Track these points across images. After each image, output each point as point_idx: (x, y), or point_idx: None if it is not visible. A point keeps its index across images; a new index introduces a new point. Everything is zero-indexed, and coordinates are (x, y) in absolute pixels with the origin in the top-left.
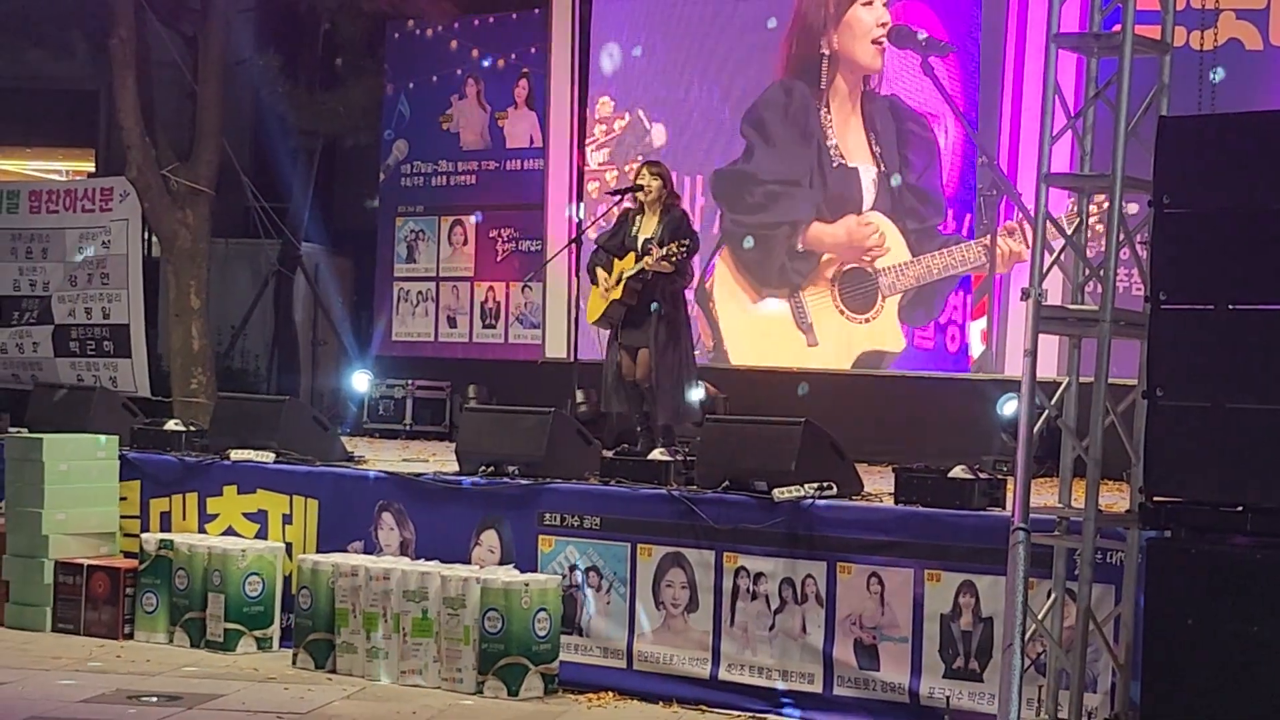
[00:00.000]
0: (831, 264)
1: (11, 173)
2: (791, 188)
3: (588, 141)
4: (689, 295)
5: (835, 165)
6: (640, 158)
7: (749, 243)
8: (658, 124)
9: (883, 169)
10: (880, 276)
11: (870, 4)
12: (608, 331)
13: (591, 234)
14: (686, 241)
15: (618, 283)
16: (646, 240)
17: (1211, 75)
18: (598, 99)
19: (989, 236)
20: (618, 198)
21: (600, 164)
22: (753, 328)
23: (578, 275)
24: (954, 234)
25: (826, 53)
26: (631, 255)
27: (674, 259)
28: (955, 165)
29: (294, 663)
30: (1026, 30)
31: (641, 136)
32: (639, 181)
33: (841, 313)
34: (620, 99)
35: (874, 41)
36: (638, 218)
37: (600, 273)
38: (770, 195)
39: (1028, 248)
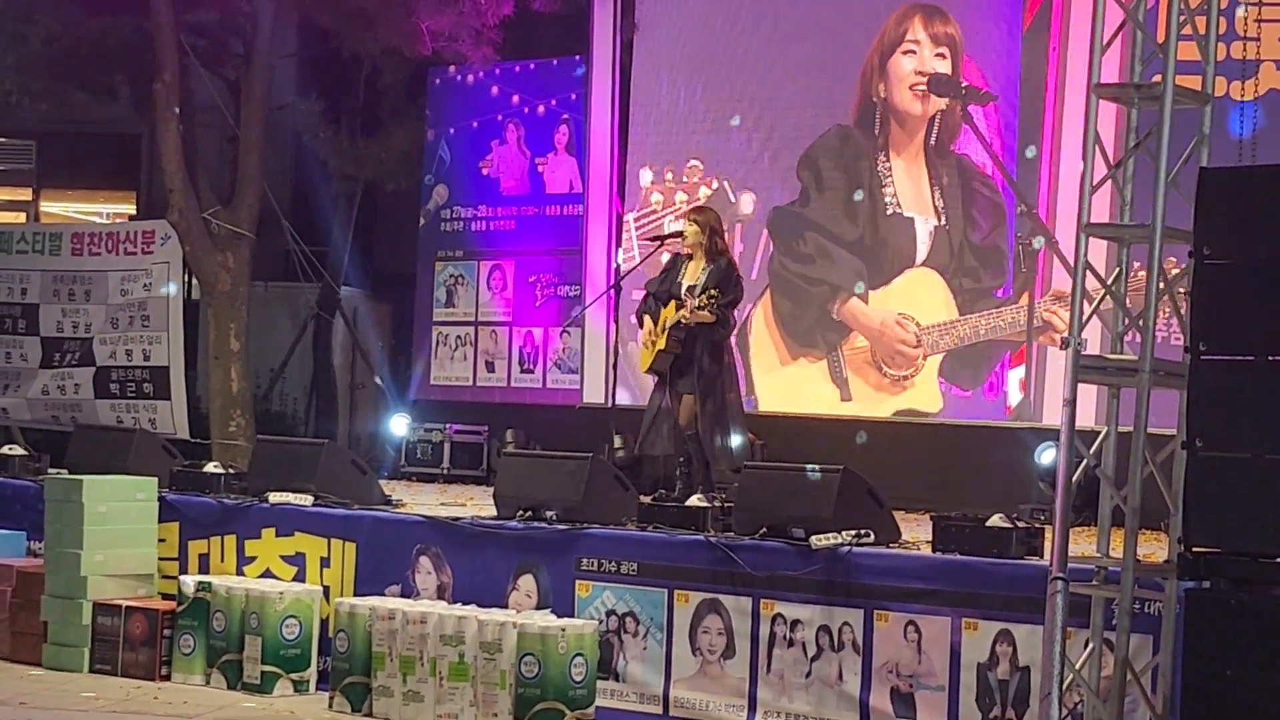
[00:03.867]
0: (864, 346)
1: (54, 215)
2: (841, 246)
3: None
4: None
5: (889, 213)
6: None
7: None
8: (746, 193)
9: (943, 222)
10: (924, 334)
11: (912, 52)
12: (652, 377)
13: (646, 281)
14: (715, 292)
15: (662, 332)
16: (690, 287)
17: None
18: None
19: (1027, 294)
20: (657, 244)
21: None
22: (786, 377)
23: (616, 321)
24: (1008, 297)
25: (877, 100)
26: (674, 303)
27: (710, 309)
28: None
29: (330, 705)
30: (1066, 80)
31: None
32: (680, 229)
33: (879, 369)
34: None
35: (912, 88)
36: (685, 264)
37: (648, 320)
38: (820, 249)
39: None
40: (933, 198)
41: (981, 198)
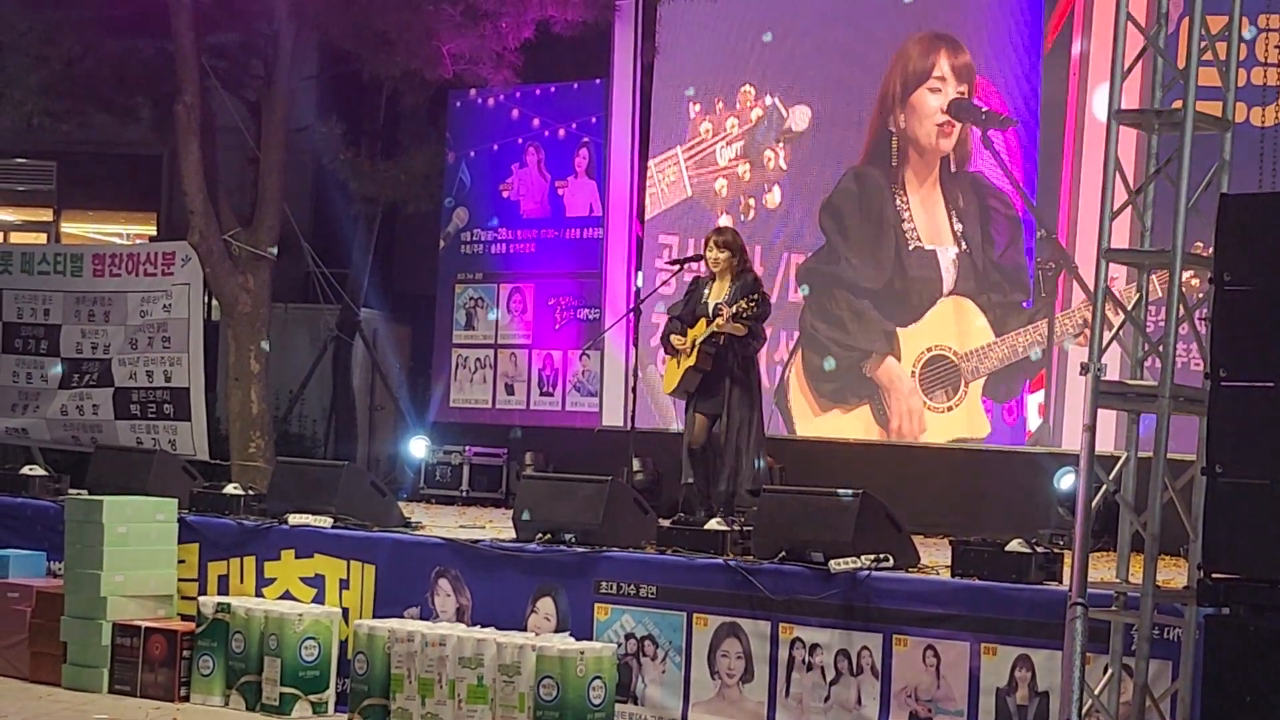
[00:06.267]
0: (892, 391)
1: (75, 236)
2: (870, 300)
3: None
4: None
5: (912, 249)
6: (782, 143)
7: (830, 364)
8: (799, 106)
9: (964, 248)
10: (963, 362)
11: (938, 90)
12: (676, 401)
13: (661, 307)
14: (755, 297)
15: (691, 349)
16: (717, 304)
17: None
18: (740, 86)
19: (1047, 316)
20: (677, 268)
21: (732, 159)
22: (830, 424)
23: (636, 344)
24: (1033, 309)
25: (894, 130)
26: (703, 321)
27: (745, 316)
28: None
29: None
30: (1087, 105)
31: (780, 123)
32: (705, 253)
33: (924, 404)
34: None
35: (937, 125)
36: (709, 285)
37: (675, 339)
38: (852, 310)
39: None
40: (951, 225)
41: (997, 214)
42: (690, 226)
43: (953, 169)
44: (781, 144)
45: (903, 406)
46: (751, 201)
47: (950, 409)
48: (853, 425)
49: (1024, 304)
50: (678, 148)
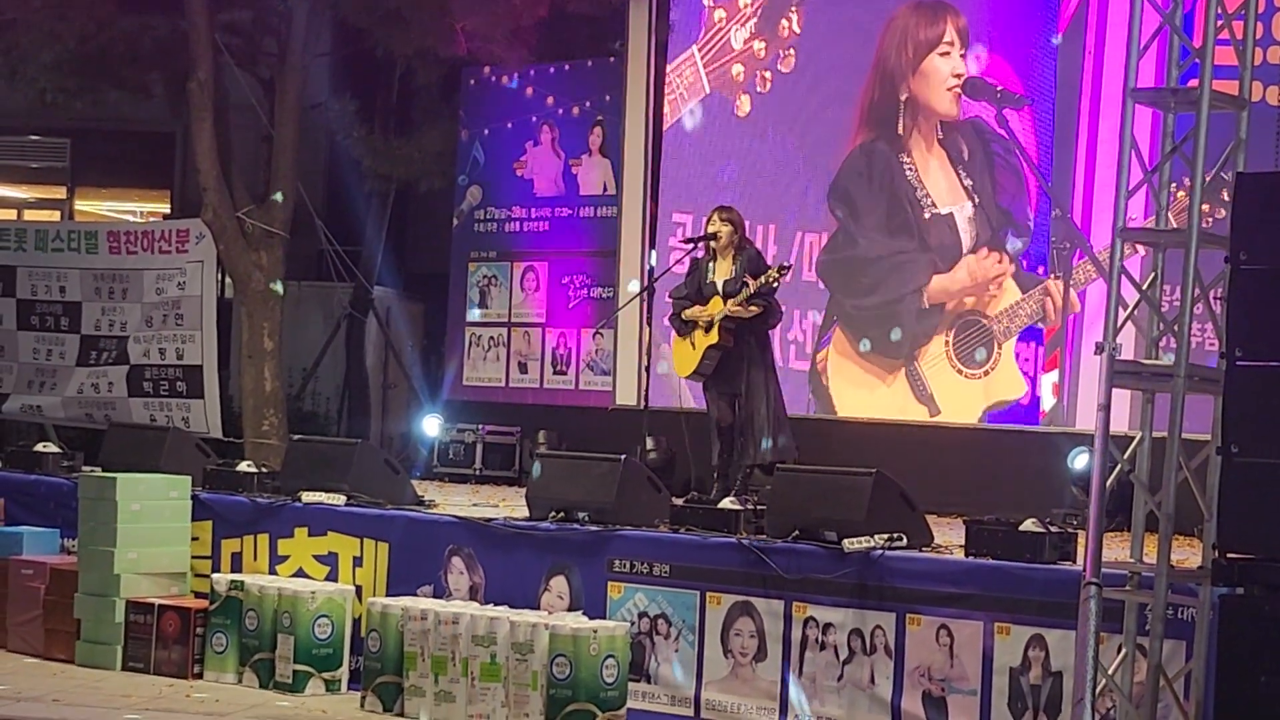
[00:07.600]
0: (955, 311)
1: (88, 213)
2: (901, 257)
3: (733, 21)
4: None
5: (928, 216)
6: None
7: (866, 345)
8: None
9: (977, 201)
10: (994, 324)
11: (947, 54)
12: (680, 383)
13: (678, 289)
14: (787, 264)
15: (709, 328)
16: (727, 282)
17: None
18: None
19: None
20: (691, 246)
21: (747, 39)
22: (871, 404)
23: (649, 323)
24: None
25: (904, 98)
26: (716, 299)
27: (759, 294)
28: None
29: (362, 705)
30: (1102, 84)
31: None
32: (710, 229)
33: (959, 371)
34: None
35: (949, 90)
36: (711, 263)
37: (695, 311)
38: (879, 273)
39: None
40: (960, 179)
41: (999, 160)
42: (711, 120)
43: (950, 120)
44: (795, 9)
45: (938, 367)
46: (768, 74)
47: (987, 373)
48: (897, 400)
49: (1024, 252)
50: (693, 46)
